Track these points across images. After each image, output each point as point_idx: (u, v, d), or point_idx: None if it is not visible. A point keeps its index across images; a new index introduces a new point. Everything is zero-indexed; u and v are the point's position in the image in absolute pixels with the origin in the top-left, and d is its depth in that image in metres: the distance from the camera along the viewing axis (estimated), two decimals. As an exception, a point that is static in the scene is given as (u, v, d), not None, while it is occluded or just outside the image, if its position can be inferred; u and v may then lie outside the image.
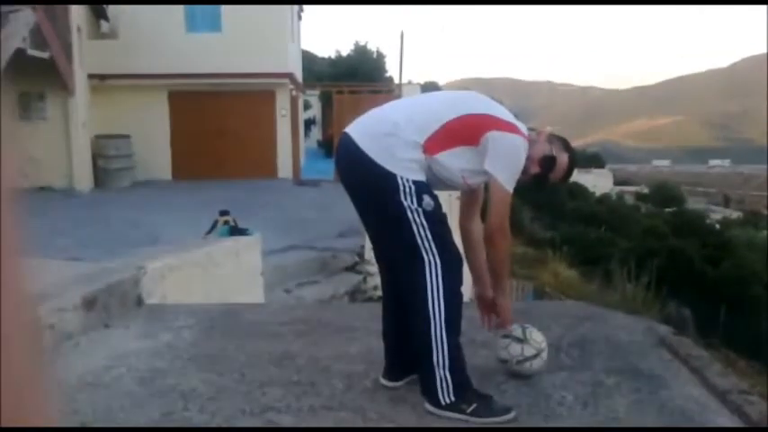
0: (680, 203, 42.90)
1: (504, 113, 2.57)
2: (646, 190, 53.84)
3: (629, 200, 44.56)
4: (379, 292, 7.09)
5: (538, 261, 14.76)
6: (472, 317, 3.61)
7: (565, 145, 2.69)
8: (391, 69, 31.92)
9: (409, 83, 26.39)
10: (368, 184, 2.48)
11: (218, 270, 4.89)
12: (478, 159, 2.49)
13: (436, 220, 2.44)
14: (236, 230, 5.78)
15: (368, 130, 2.51)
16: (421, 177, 2.44)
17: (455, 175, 2.52)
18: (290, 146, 17.05)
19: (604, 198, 38.82)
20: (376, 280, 7.27)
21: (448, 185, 2.59)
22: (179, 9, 16.55)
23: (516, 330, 2.80)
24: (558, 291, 11.16)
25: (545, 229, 24.58)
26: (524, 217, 24.57)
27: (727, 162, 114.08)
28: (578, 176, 42.81)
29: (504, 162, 2.48)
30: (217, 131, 16.55)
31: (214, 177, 15.75)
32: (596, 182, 46.72)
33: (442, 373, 2.39)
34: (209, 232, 5.86)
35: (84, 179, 14.36)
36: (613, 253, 14.31)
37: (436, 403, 2.41)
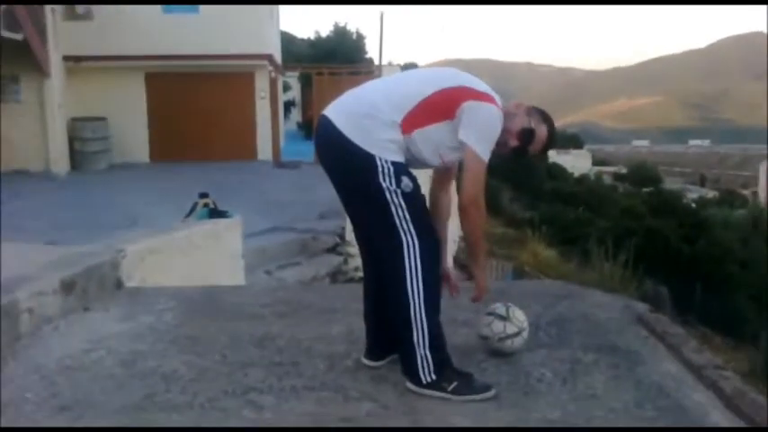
0: (657, 183, 43.31)
1: (480, 85, 2.55)
2: (624, 170, 54.28)
3: (608, 180, 44.93)
4: (360, 273, 7.09)
5: (517, 241, 14.85)
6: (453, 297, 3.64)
7: (543, 117, 2.65)
8: (371, 50, 31.76)
9: (389, 64, 26.26)
10: (346, 165, 2.47)
11: (198, 253, 4.87)
12: (455, 135, 2.47)
13: (415, 201, 2.44)
14: (215, 213, 5.74)
15: (346, 110, 2.50)
16: (399, 158, 2.44)
17: (432, 153, 2.51)
18: (269, 128, 16.94)
19: (583, 178, 39.10)
20: (357, 261, 7.28)
21: (426, 164, 2.58)
22: (155, -12, 16.28)
23: (500, 308, 2.83)
24: (537, 270, 11.25)
25: (524, 210, 24.72)
26: (503, 197, 24.69)
27: (707, 142, 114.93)
28: (557, 157, 43.08)
29: (480, 132, 2.46)
30: (195, 113, 16.40)
31: (192, 159, 15.63)
32: (575, 162, 47.05)
33: (423, 352, 2.42)
34: (189, 215, 5.82)
35: (60, 162, 14.18)
36: (591, 233, 14.44)
37: (417, 382, 2.44)
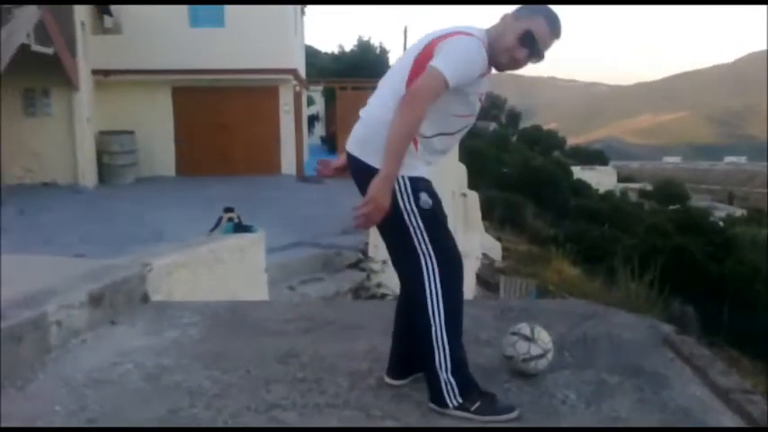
0: (684, 201, 42.84)
1: (457, 28, 2.42)
2: (650, 187, 53.77)
3: (633, 197, 44.53)
4: (383, 290, 7.13)
5: (541, 258, 14.77)
6: (477, 315, 3.64)
7: (532, 10, 2.44)
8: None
9: (413, 79, 26.25)
10: (366, 188, 2.44)
11: (222, 267, 4.91)
12: (450, 92, 2.34)
13: (434, 220, 2.41)
14: (240, 227, 5.79)
15: (357, 136, 2.50)
16: (417, 171, 2.41)
17: (446, 119, 2.43)
18: (293, 142, 17.07)
19: (608, 195, 38.80)
20: (379, 277, 7.29)
21: (453, 132, 2.50)
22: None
23: (525, 329, 2.81)
24: (561, 289, 11.17)
25: (548, 227, 24.57)
26: (527, 214, 24.57)
27: (743, 159, 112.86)
28: (582, 173, 42.81)
29: (449, 56, 2.30)
30: (220, 127, 16.59)
31: (218, 173, 15.80)
32: (600, 179, 46.73)
33: (446, 377, 2.40)
34: (214, 229, 5.87)
35: (88, 175, 14.39)
36: (617, 251, 14.30)
37: (444, 405, 2.43)
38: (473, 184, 19.17)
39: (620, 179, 58.08)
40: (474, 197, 18.24)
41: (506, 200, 24.59)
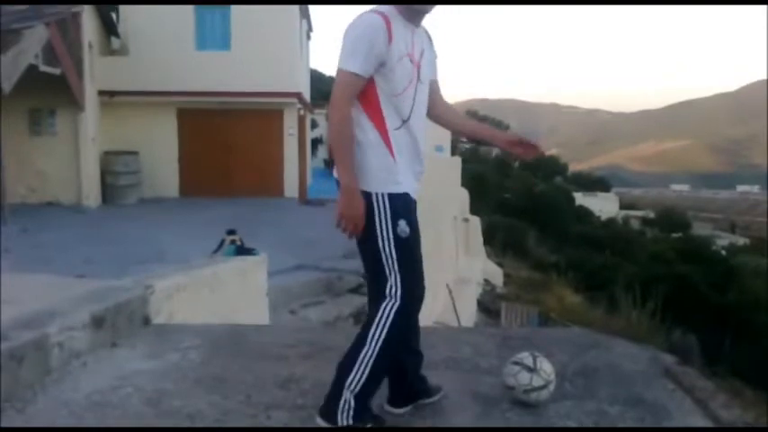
0: (686, 229, 42.84)
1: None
2: (652, 215, 53.79)
3: (636, 224, 44.52)
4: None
5: (543, 285, 14.74)
6: (478, 342, 3.64)
7: None
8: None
9: (416, 103, 26.32)
10: None
11: (224, 289, 4.92)
12: (378, 77, 2.34)
13: (407, 250, 2.38)
14: (242, 250, 5.80)
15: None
16: (399, 186, 2.37)
17: (397, 104, 2.39)
18: (296, 165, 17.14)
19: (610, 222, 38.81)
20: (381, 302, 7.27)
21: (415, 122, 2.45)
22: (189, 27, 16.74)
23: (527, 359, 2.80)
24: (562, 316, 11.13)
25: (550, 253, 24.54)
26: (529, 239, 24.56)
27: (756, 188, 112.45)
28: (584, 200, 42.87)
29: (344, 49, 2.32)
30: (224, 149, 16.68)
31: (221, 195, 15.85)
32: (602, 206, 46.83)
33: (349, 397, 2.35)
34: (217, 251, 5.89)
35: (91, 195, 14.45)
36: (619, 278, 14.28)
37: (333, 422, 2.38)
38: (475, 209, 19.21)
39: (623, 206, 58.20)
40: (476, 222, 18.27)
41: (508, 225, 24.60)
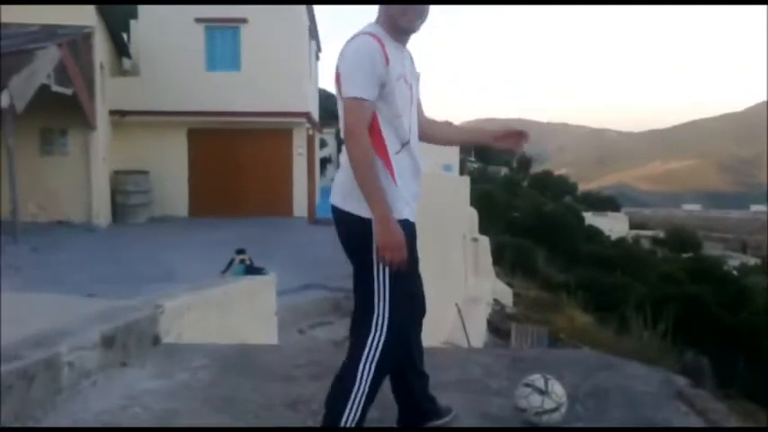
0: (697, 249, 42.58)
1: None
2: (662, 235, 53.53)
3: (646, 244, 44.30)
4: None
5: (552, 305, 14.65)
6: (488, 363, 3.62)
7: None
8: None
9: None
10: (349, 237, 2.42)
11: (233, 309, 4.92)
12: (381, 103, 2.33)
13: (401, 279, 2.33)
14: (251, 269, 5.80)
15: (338, 182, 2.46)
16: (399, 213, 2.34)
17: (397, 126, 2.38)
18: (305, 184, 17.20)
19: (620, 242, 38.63)
20: (390, 322, 7.25)
21: (413, 143, 2.45)
22: (199, 47, 16.91)
23: (538, 381, 2.78)
24: (573, 337, 11.05)
25: (559, 272, 24.42)
26: (538, 259, 24.46)
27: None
28: (593, 219, 42.74)
29: (348, 76, 2.29)
30: (234, 169, 16.76)
31: (230, 215, 15.90)
32: (612, 225, 46.65)
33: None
34: (226, 270, 5.89)
35: (102, 214, 14.52)
36: (629, 298, 14.18)
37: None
38: (484, 228, 19.17)
39: (633, 226, 57.93)
40: (485, 242, 18.23)
41: (517, 245, 24.52)
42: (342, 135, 2.38)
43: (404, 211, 2.37)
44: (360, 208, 2.31)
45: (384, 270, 2.31)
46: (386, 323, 2.31)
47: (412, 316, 2.48)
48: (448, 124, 2.74)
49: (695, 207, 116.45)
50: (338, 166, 2.57)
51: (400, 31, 2.41)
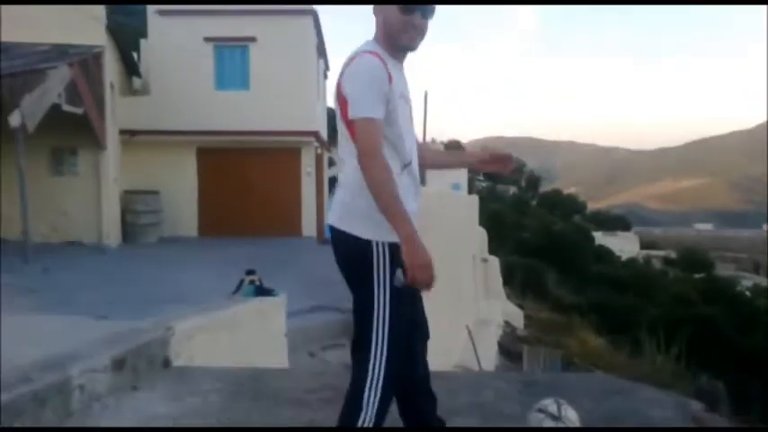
0: (709, 269, 42.27)
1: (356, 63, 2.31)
2: (674, 255, 53.22)
3: (657, 264, 44.04)
4: (404, 357, 6.95)
5: (564, 327, 14.53)
6: (500, 388, 3.58)
7: None
8: (415, 128, 32.25)
9: (432, 141, 26.61)
10: (348, 259, 2.36)
11: (243, 331, 4.90)
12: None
13: (400, 300, 2.28)
14: (261, 290, 5.79)
15: (338, 201, 2.40)
16: (396, 235, 2.25)
17: (401, 143, 2.34)
18: (314, 204, 17.22)
19: (631, 262, 38.42)
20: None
21: (413, 162, 2.42)
22: (209, 67, 17.04)
23: (551, 406, 2.75)
24: (586, 360, 10.93)
25: (570, 293, 24.28)
26: (549, 280, 24.33)
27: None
28: (604, 239, 42.54)
29: (357, 96, 2.24)
30: (243, 188, 16.81)
31: (239, 235, 15.92)
32: (622, 245, 46.45)
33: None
34: (236, 291, 5.88)
35: (112, 234, 14.54)
36: (641, 320, 14.06)
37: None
38: (493, 248, 19.10)
39: (643, 246, 57.65)
40: (495, 263, 18.14)
41: (527, 265, 24.41)
42: (340, 154, 2.37)
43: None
44: (359, 228, 2.28)
45: (385, 293, 2.26)
46: (385, 348, 2.26)
47: (413, 340, 2.43)
48: (431, 148, 2.70)
49: (707, 226, 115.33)
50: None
51: (400, 49, 2.40)
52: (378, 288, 2.26)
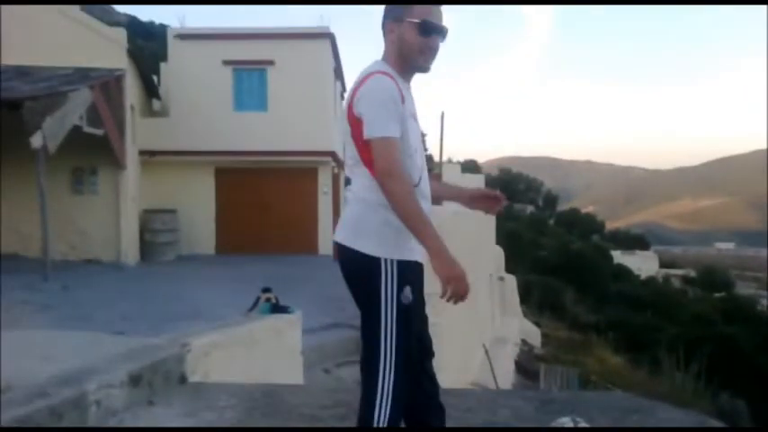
0: (729, 288, 41.76)
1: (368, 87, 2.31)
2: (693, 273, 52.65)
3: (676, 283, 43.58)
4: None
5: (582, 346, 14.38)
6: (517, 406, 3.55)
7: (402, 7, 2.38)
8: (431, 148, 32.39)
9: (449, 161, 26.64)
10: (355, 276, 2.35)
11: (259, 348, 4.90)
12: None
13: (408, 317, 2.28)
14: (277, 308, 5.79)
15: (347, 218, 2.39)
16: (411, 254, 2.29)
17: (414, 162, 2.34)
18: (330, 222, 17.26)
19: (650, 281, 38.05)
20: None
21: (424, 179, 2.42)
22: (227, 89, 17.22)
23: (567, 424, 2.72)
24: (604, 379, 10.79)
25: (589, 312, 24.06)
26: (567, 299, 24.15)
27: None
28: (622, 258, 42.19)
29: (373, 117, 2.24)
30: (260, 207, 16.91)
31: (256, 252, 15.98)
32: (641, 264, 46.05)
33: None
34: (252, 309, 5.89)
35: (130, 252, 14.65)
36: (661, 339, 13.89)
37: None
38: (510, 267, 19.01)
39: (662, 264, 57.10)
40: (512, 281, 18.05)
41: (545, 284, 24.26)
42: (347, 172, 2.38)
43: (414, 250, 2.32)
44: (367, 246, 2.27)
45: (392, 310, 2.25)
46: (393, 366, 2.25)
47: (419, 357, 2.42)
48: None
49: (728, 245, 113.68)
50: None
51: (413, 70, 2.43)
52: (385, 306, 2.25)
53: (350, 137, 2.34)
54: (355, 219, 2.34)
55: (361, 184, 2.34)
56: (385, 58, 2.41)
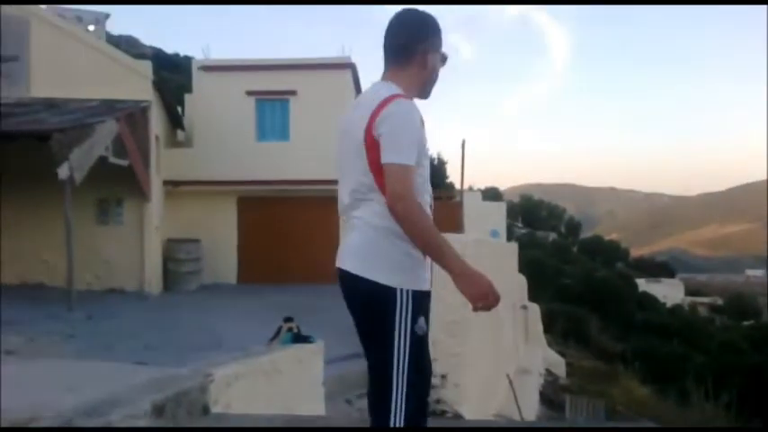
0: (757, 316, 40.97)
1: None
2: (720, 301, 51.76)
3: (703, 312, 42.88)
4: (442, 406, 6.88)
5: (608, 376, 14.14)
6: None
7: (425, 35, 2.40)
8: (452, 176, 32.40)
9: (470, 189, 26.59)
10: (367, 305, 2.28)
11: (281, 378, 4.88)
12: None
13: (420, 347, 2.24)
14: (299, 338, 5.78)
15: (354, 245, 2.34)
16: (425, 284, 2.27)
17: (425, 188, 2.32)
18: (353, 252, 17.26)
19: (676, 309, 37.47)
20: (438, 393, 7.10)
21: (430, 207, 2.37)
22: (250, 119, 17.45)
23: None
24: (631, 409, 10.58)
25: (614, 341, 23.71)
26: (592, 327, 23.83)
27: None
28: (647, 286, 41.64)
29: (395, 142, 2.20)
30: (282, 236, 16.98)
31: (278, 282, 16.00)
32: (667, 292, 45.39)
33: None
34: (274, 338, 5.88)
35: (154, 282, 14.74)
36: (688, 369, 13.62)
37: None
38: (533, 295, 18.83)
39: (688, 292, 56.22)
40: (535, 310, 17.85)
41: (569, 313, 23.97)
42: (356, 195, 2.33)
43: (429, 282, 2.29)
44: (382, 275, 2.21)
45: (405, 342, 2.19)
46: (404, 399, 2.19)
47: (427, 388, 2.37)
48: None
49: (758, 272, 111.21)
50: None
51: (425, 97, 2.46)
52: (399, 337, 2.19)
53: (364, 159, 2.28)
54: (366, 246, 2.27)
55: (371, 210, 2.28)
56: (396, 83, 2.36)
